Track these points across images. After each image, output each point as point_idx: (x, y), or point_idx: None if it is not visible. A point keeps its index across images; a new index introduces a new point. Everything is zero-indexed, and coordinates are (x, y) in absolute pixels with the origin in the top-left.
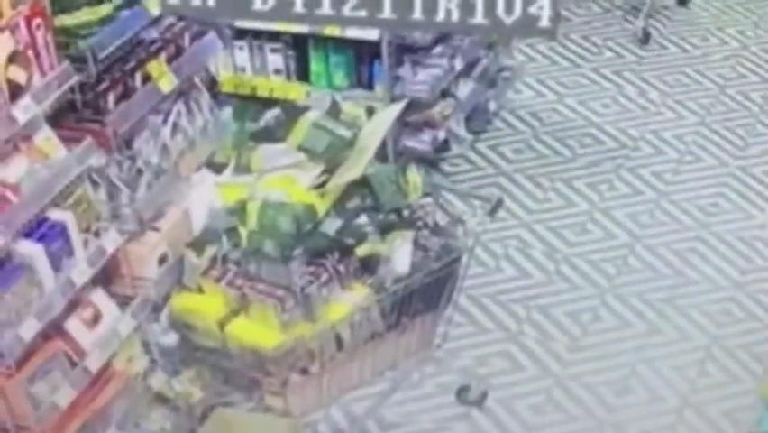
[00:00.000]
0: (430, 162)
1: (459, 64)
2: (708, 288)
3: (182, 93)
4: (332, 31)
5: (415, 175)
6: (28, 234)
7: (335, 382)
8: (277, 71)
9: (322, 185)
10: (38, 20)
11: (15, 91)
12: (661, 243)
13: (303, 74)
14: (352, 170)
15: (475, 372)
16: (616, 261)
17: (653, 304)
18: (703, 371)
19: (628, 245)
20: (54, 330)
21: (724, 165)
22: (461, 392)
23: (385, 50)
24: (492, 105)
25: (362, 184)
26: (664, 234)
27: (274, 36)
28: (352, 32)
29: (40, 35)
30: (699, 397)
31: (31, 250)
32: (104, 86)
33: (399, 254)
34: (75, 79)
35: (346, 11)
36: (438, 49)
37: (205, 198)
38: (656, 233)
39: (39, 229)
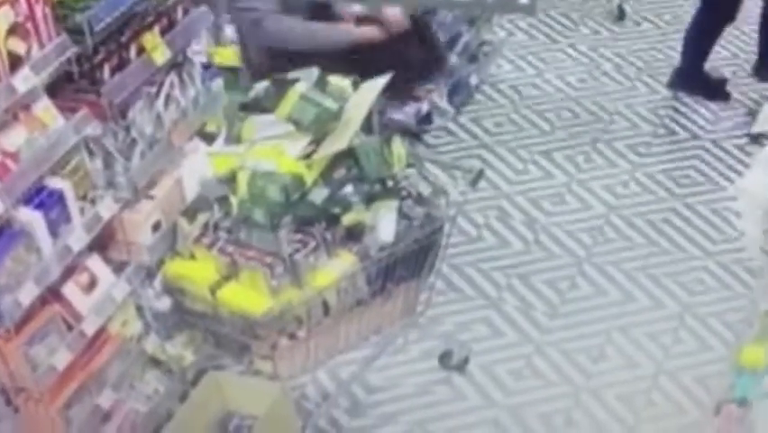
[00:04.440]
0: (414, 134)
1: (442, 39)
2: (681, 257)
3: (175, 65)
4: None
5: (399, 147)
6: (27, 202)
7: (322, 347)
8: None
9: (309, 155)
10: None
11: (15, 62)
12: (635, 213)
13: None
14: (338, 141)
15: (457, 338)
16: (592, 231)
17: (629, 273)
18: (677, 338)
19: (604, 216)
20: (51, 295)
21: (696, 138)
22: (444, 358)
23: None
24: (474, 80)
25: (348, 155)
26: (639, 205)
27: None
28: None
29: (38, 8)
30: (673, 364)
31: (30, 217)
32: (99, 57)
33: (384, 223)
34: (72, 51)
35: None
36: None
37: (197, 167)
38: (631, 203)
39: (37, 197)
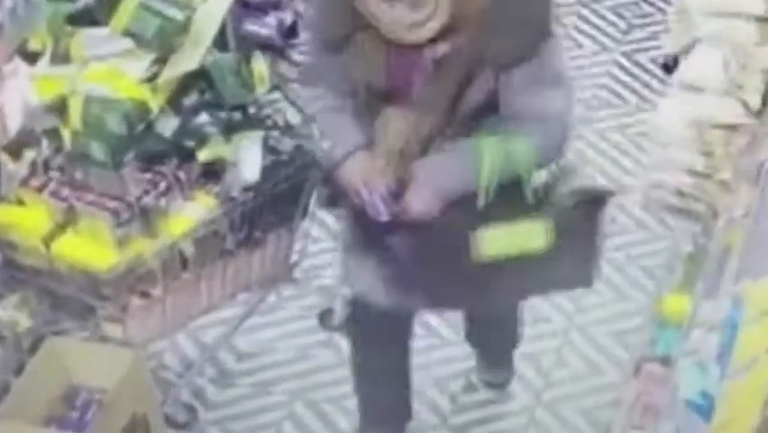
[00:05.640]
0: (277, 50)
1: None
2: None
3: None
4: None
5: (260, 64)
6: None
7: (181, 307)
8: None
9: (154, 77)
10: None
11: None
12: None
13: None
14: (187, 59)
15: (338, 293)
16: None
17: None
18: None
19: None
20: None
21: (607, 51)
22: (324, 316)
23: None
24: None
25: (201, 76)
26: None
27: None
28: None
29: None
30: (585, 318)
31: None
32: None
33: (247, 158)
34: None
35: None
36: None
37: (19, 92)
38: None
39: None
